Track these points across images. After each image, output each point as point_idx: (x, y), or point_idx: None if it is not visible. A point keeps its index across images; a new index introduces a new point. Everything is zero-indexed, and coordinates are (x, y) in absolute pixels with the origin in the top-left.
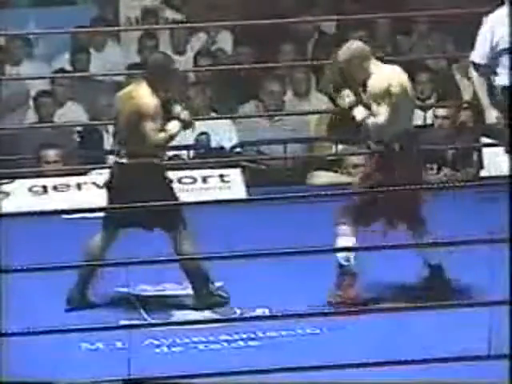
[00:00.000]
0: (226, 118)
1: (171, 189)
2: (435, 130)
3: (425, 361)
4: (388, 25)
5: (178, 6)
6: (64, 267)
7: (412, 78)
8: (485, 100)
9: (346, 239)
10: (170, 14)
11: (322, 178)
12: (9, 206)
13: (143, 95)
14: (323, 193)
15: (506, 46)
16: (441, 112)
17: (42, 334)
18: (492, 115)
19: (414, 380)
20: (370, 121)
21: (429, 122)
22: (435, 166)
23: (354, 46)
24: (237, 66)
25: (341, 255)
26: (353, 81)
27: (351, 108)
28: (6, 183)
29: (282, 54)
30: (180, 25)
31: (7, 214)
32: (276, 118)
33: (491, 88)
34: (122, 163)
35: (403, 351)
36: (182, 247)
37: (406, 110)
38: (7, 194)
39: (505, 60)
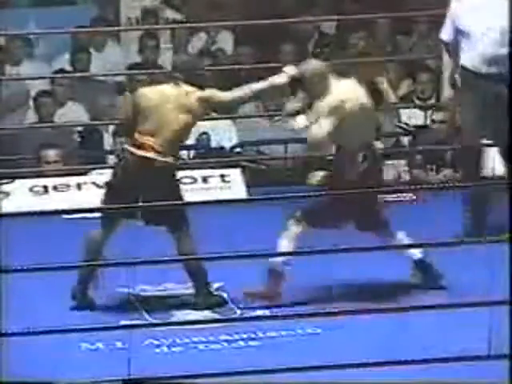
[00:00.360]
0: (226, 118)
1: (179, 189)
2: (435, 131)
3: (425, 361)
4: (388, 25)
5: (178, 6)
6: (64, 267)
7: (412, 78)
8: (445, 78)
9: (288, 243)
10: (170, 13)
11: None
12: (9, 205)
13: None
14: (323, 193)
15: (464, 27)
16: (438, 116)
17: (42, 334)
18: (445, 94)
19: (414, 380)
20: (309, 132)
21: (429, 122)
22: (435, 167)
23: (312, 64)
24: (237, 66)
25: (281, 259)
26: (310, 96)
27: (292, 115)
28: (7, 183)
29: (282, 54)
30: (180, 25)
31: (7, 214)
32: (276, 117)
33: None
34: (143, 156)
35: (403, 351)
36: (185, 247)
37: (361, 125)
38: (7, 194)
39: (461, 40)
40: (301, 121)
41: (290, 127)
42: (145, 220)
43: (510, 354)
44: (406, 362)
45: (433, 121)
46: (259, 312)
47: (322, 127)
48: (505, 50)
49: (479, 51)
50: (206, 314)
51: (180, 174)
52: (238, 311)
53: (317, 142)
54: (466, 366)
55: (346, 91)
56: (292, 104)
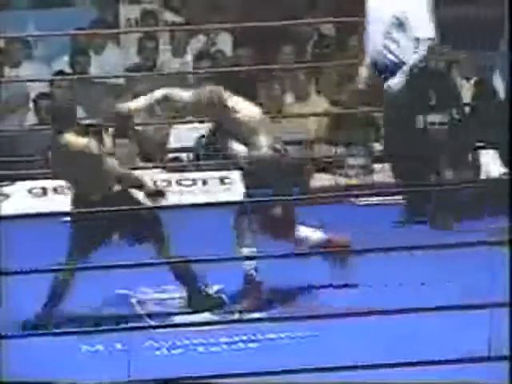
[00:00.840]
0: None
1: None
2: (433, 133)
3: (425, 362)
4: None
5: (177, 8)
6: (64, 269)
7: None
8: None
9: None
10: (169, 16)
11: (321, 180)
12: (9, 207)
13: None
14: (322, 195)
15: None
16: (437, 118)
17: (42, 337)
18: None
19: (413, 381)
20: (255, 153)
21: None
22: (434, 169)
23: (208, 89)
24: (236, 68)
25: (249, 265)
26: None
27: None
28: (6, 185)
29: (281, 55)
30: (179, 27)
31: (7, 217)
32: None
33: None
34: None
35: (403, 353)
36: (166, 254)
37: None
38: (7, 196)
39: None
40: (239, 148)
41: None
42: (126, 241)
43: (510, 356)
44: (405, 364)
45: (431, 123)
46: (258, 314)
47: (263, 145)
48: (390, 42)
49: (368, 44)
50: (206, 316)
51: (180, 176)
52: (238, 313)
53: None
54: (466, 367)
55: (253, 108)
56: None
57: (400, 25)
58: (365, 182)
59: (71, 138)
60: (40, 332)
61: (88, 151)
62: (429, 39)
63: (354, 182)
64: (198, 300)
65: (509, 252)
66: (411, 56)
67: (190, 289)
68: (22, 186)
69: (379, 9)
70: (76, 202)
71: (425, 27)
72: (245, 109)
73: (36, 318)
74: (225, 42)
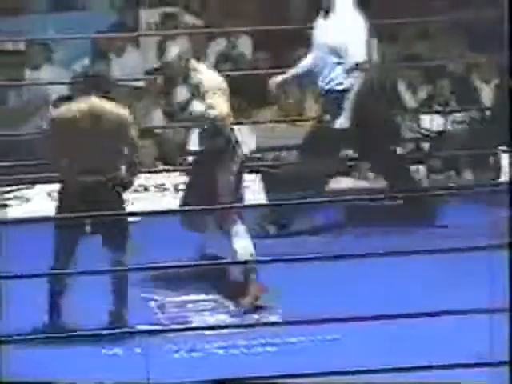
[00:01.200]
0: (245, 123)
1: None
2: (454, 135)
3: (426, 367)
4: (408, 29)
5: (198, 11)
6: (71, 273)
7: (432, 83)
8: None
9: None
10: (189, 19)
11: (340, 183)
12: (28, 210)
13: (118, 109)
14: (336, 198)
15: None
16: (458, 117)
17: (57, 339)
18: None
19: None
20: (211, 112)
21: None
22: (454, 171)
23: (176, 47)
24: (256, 72)
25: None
26: (179, 80)
27: (187, 103)
28: (26, 188)
29: (301, 58)
30: (199, 30)
31: (13, 221)
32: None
33: None
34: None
35: (415, 356)
36: (120, 259)
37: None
38: (27, 200)
39: None
40: (198, 106)
41: (193, 117)
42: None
43: (510, 361)
44: (415, 368)
45: (452, 122)
46: (276, 318)
47: (220, 105)
48: (324, 69)
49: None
50: (223, 319)
51: None
52: (256, 316)
53: (223, 118)
54: (466, 371)
55: (215, 73)
56: (181, 94)
57: (336, 51)
58: (376, 184)
59: (96, 101)
60: (55, 336)
61: (113, 118)
62: (362, 63)
63: (363, 184)
64: (121, 314)
65: (508, 256)
66: (346, 81)
67: (120, 302)
68: (41, 189)
69: (321, 36)
70: (67, 185)
71: (358, 52)
72: (206, 74)
73: (44, 326)
74: (245, 45)
